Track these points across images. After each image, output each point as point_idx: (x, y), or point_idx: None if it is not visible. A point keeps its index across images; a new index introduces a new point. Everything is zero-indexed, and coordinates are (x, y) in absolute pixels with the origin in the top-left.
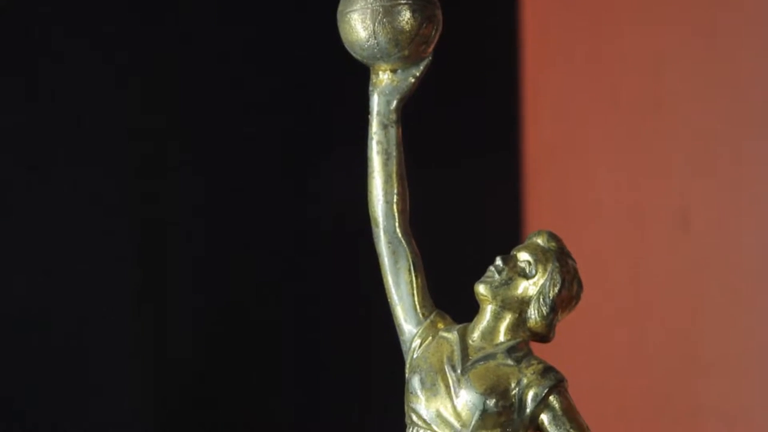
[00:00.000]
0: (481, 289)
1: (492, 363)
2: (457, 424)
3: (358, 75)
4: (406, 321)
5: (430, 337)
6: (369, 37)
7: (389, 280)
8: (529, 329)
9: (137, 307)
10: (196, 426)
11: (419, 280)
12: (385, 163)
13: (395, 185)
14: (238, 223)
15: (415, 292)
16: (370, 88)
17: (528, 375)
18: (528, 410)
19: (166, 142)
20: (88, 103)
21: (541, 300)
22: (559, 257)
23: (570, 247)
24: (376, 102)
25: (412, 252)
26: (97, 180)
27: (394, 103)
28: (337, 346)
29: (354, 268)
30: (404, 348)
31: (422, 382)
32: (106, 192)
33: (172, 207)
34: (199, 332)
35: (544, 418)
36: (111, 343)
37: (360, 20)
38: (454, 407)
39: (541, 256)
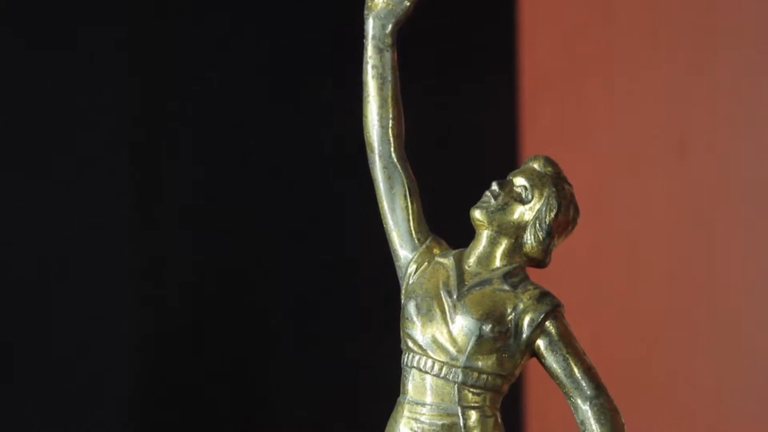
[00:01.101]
0: (477, 214)
1: (488, 288)
2: (452, 350)
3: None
4: (401, 246)
5: (426, 263)
6: None
7: (385, 205)
8: (526, 254)
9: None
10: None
11: (415, 205)
12: (381, 88)
13: (390, 109)
14: (236, 148)
15: (410, 217)
16: (366, 12)
17: (524, 300)
18: (524, 335)
19: (162, 72)
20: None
21: (538, 225)
22: (556, 182)
23: (566, 171)
24: (371, 26)
25: (407, 177)
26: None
27: (390, 26)
28: (333, 272)
29: (352, 195)
30: (400, 274)
31: (418, 307)
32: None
33: (172, 128)
34: (200, 254)
35: (541, 343)
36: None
37: None
38: (449, 333)
39: (537, 180)
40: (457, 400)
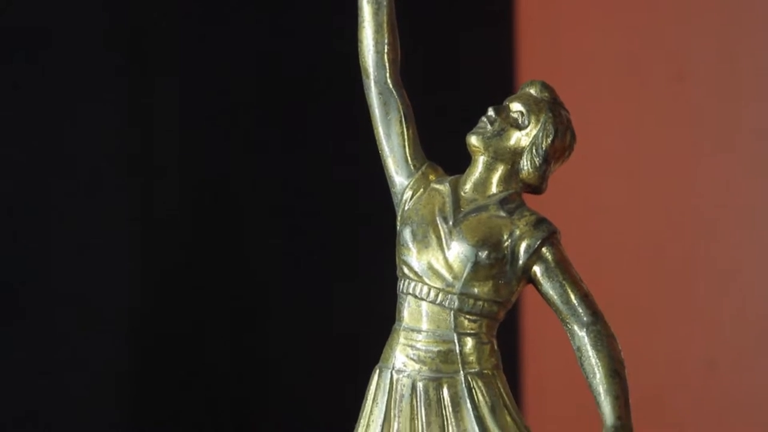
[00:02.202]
0: (473, 140)
1: (484, 215)
2: (448, 276)
3: None
4: (397, 173)
5: (422, 189)
6: None
7: (380, 131)
8: (522, 180)
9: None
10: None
11: (410, 131)
12: (376, 13)
13: (386, 35)
14: (234, 72)
15: (406, 143)
16: None
17: (521, 226)
18: (520, 262)
19: None
20: None
21: (534, 151)
22: (552, 107)
23: (563, 97)
24: None
25: (403, 103)
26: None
27: None
28: (328, 198)
29: (349, 122)
30: (395, 200)
31: (414, 234)
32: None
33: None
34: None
35: (537, 269)
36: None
37: None
38: (445, 259)
39: (533, 106)
40: (453, 326)
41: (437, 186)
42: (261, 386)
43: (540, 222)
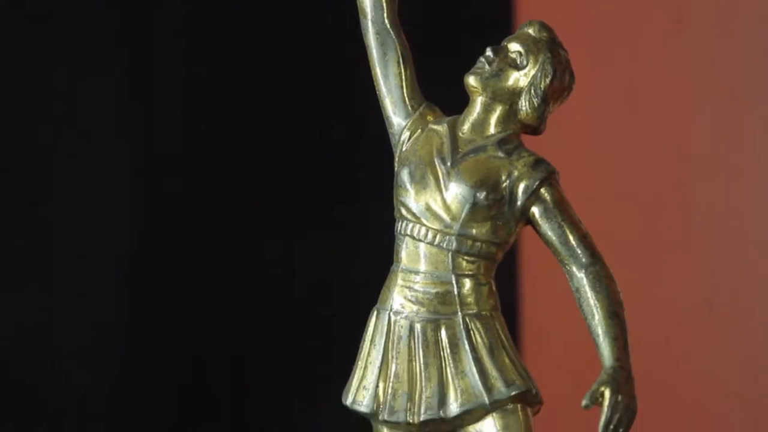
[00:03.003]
0: (471, 80)
1: (482, 155)
2: (446, 217)
3: None
4: (394, 113)
5: (420, 130)
6: None
7: (378, 72)
8: (520, 121)
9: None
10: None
11: (408, 72)
12: None
13: None
14: (236, 23)
15: (403, 84)
16: None
17: (519, 167)
18: (519, 203)
19: None
20: None
21: (533, 91)
22: (551, 47)
23: (562, 37)
24: None
25: (400, 43)
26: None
27: None
28: (326, 140)
29: (348, 71)
30: (393, 141)
31: (411, 175)
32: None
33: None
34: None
35: (535, 210)
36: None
37: None
38: (443, 200)
39: (532, 46)
40: (451, 268)
41: (435, 127)
42: (257, 326)
43: (538, 163)
